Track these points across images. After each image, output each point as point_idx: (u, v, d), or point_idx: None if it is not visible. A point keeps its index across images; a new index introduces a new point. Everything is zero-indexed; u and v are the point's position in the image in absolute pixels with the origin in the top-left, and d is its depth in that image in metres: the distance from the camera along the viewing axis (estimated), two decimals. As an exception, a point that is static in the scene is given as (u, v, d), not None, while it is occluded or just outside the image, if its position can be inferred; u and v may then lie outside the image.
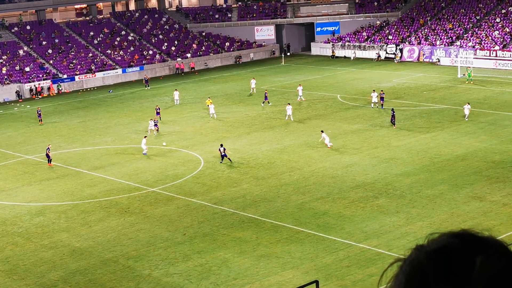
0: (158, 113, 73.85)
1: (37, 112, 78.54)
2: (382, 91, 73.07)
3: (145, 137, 61.31)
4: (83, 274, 36.83)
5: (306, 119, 69.87)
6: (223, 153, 55.52)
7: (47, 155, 58.55)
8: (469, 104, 65.68)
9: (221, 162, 55.64)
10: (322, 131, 58.43)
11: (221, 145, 56.50)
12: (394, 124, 63.74)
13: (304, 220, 42.36)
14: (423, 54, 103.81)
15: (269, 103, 77.99)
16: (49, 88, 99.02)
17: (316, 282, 9.62)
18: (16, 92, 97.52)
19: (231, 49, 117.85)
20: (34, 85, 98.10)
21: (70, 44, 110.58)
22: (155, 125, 67.97)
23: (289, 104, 70.81)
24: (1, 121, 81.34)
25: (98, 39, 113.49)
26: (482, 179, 47.95)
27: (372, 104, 71.31)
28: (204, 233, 41.43)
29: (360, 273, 34.48)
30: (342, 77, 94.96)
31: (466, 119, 64.00)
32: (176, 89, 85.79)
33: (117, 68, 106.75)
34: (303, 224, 41.60)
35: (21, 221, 45.98)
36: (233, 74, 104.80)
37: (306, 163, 54.65)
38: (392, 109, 65.20)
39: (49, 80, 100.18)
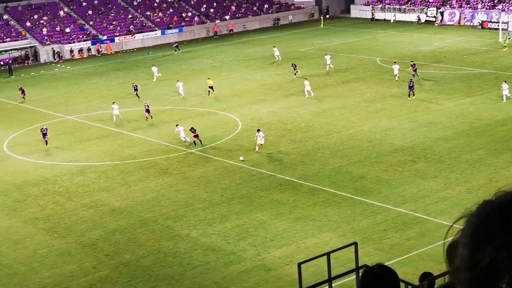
0: (136, 90, 68.74)
1: (19, 89, 72.45)
2: (412, 61, 71.14)
3: (177, 125, 54.08)
4: (123, 233, 37.43)
5: (345, 82, 69.54)
6: (194, 135, 51.61)
7: (44, 135, 54.13)
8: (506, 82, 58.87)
9: (190, 143, 52.01)
10: (258, 130, 50.51)
11: (191, 128, 52.33)
12: (410, 96, 61.04)
13: (341, 183, 42.46)
14: (464, 18, 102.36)
15: (295, 74, 73.30)
16: (88, 49, 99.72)
17: (355, 244, 9.76)
18: (56, 52, 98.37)
19: (270, 11, 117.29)
20: (81, 45, 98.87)
21: (109, 6, 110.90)
22: (147, 111, 59.56)
23: (306, 79, 65.78)
24: (42, 82, 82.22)
25: (138, 0, 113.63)
26: (522, 144, 47.49)
27: (397, 77, 67.84)
28: (241, 194, 41.75)
29: (397, 237, 34.57)
30: (381, 40, 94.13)
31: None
32: (153, 65, 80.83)
33: (156, 30, 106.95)
34: (340, 188, 41.70)
35: (62, 181, 46.72)
36: (272, 36, 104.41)
37: (344, 127, 54.57)
38: (411, 79, 63.31)
39: (89, 41, 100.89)
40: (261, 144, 49.03)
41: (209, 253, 34.21)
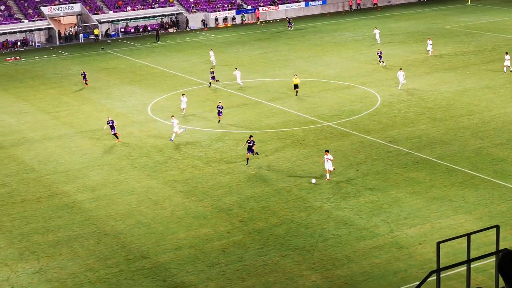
0: (213, 77, 63.94)
1: (82, 74, 67.95)
2: None
3: (172, 116, 50.68)
4: (257, 200, 38.04)
5: (490, 62, 67.50)
6: (250, 144, 43.31)
7: (112, 127, 49.59)
8: None
9: (253, 154, 43.81)
10: (327, 151, 41.10)
11: (250, 137, 43.81)
12: None
13: (480, 165, 41.43)
14: None
15: (382, 62, 68.87)
16: (229, 19, 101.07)
17: (497, 226, 9.58)
18: (202, 20, 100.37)
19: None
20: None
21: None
22: (220, 112, 52.19)
23: (401, 69, 60.52)
24: (187, 48, 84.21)
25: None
26: None
27: (505, 68, 63.61)
28: (377, 170, 41.51)
29: (536, 224, 33.49)
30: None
31: None
32: (211, 49, 77.07)
33: (300, 1, 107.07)
34: (480, 170, 40.71)
35: (201, 146, 47.89)
36: (416, 12, 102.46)
37: (487, 108, 53.09)
38: None
39: (234, 10, 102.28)
40: (330, 171, 40.69)
41: (341, 226, 34.29)
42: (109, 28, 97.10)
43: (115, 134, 49.76)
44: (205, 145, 47.95)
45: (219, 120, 52.33)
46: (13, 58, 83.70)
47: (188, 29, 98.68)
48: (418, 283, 13.27)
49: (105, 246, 33.54)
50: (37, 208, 38.48)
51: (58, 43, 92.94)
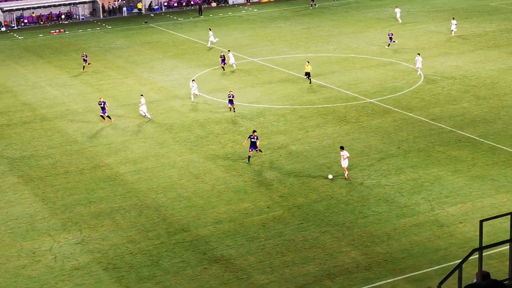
0: (223, 61, 61.29)
1: (82, 57, 65.13)
2: None
3: (142, 95, 50.07)
4: (297, 176, 38.06)
5: (537, 40, 66.52)
6: (253, 139, 40.24)
7: (104, 109, 48.64)
8: None
9: (256, 151, 40.52)
10: (342, 148, 37.88)
11: (254, 132, 40.92)
12: None
13: (524, 144, 41.00)
14: None
15: (388, 46, 66.53)
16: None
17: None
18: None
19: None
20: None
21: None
22: (231, 101, 49.38)
23: (419, 54, 58.17)
24: (229, 23, 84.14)
25: None
26: None
27: None
28: (419, 148, 41.24)
29: None
30: None
31: None
32: (210, 29, 74.27)
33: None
34: (523, 149, 40.29)
35: (243, 121, 47.97)
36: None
37: (532, 86, 52.39)
38: None
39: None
40: (345, 168, 37.76)
41: (381, 203, 34.21)
42: (152, 2, 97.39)
43: (102, 116, 48.77)
44: (246, 120, 48.02)
45: (231, 109, 49.52)
46: (57, 31, 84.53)
47: (228, 4, 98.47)
48: (459, 261, 13.24)
49: (146, 218, 33.91)
50: (80, 180, 39.00)
51: (101, 17, 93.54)
